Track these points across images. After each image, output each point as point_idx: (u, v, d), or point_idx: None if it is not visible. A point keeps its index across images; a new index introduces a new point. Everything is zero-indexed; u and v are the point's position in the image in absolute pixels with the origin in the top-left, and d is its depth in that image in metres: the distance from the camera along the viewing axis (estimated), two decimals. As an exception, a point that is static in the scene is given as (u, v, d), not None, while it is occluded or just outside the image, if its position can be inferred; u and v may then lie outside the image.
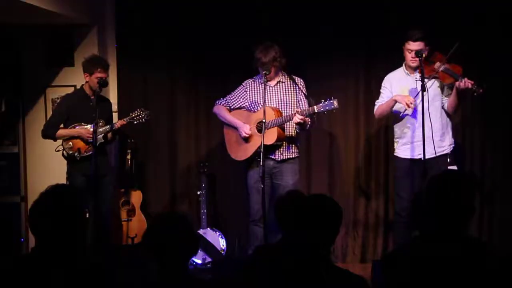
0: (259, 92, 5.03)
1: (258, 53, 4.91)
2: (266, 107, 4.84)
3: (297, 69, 5.44)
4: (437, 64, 4.84)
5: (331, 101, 4.71)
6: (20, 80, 5.96)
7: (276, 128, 4.86)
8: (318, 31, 5.86)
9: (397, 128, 5.09)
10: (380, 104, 5.09)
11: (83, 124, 5.10)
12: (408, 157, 4.95)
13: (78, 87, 5.70)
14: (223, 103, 5.20)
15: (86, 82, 5.12)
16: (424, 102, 4.66)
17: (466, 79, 4.68)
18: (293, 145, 5.02)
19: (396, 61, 5.59)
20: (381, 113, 5.11)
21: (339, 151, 5.99)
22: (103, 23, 5.89)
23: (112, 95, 6.01)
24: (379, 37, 5.81)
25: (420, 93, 4.59)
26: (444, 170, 4.66)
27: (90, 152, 5.04)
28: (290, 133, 4.99)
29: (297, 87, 5.03)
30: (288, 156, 5.00)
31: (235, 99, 5.16)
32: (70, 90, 5.77)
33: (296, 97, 5.02)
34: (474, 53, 5.56)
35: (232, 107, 5.17)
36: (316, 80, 5.85)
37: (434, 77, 4.87)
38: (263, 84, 4.92)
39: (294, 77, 5.07)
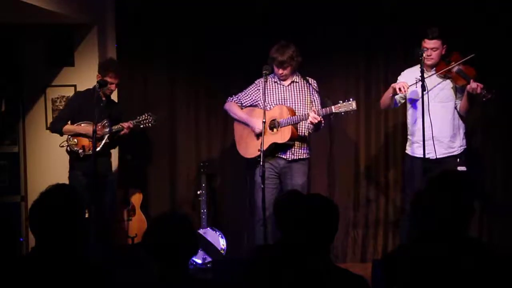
0: (274, 91, 5.01)
1: (274, 52, 4.86)
2: (281, 105, 4.88)
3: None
4: (452, 64, 4.83)
5: (350, 102, 4.68)
6: (20, 80, 5.95)
7: (290, 126, 4.83)
8: (318, 31, 5.86)
9: (409, 125, 5.08)
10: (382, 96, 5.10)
11: (89, 123, 5.06)
12: (417, 155, 4.94)
13: (78, 86, 5.73)
14: (234, 100, 5.13)
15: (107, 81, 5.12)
16: (431, 101, 4.69)
17: (476, 83, 4.68)
18: (305, 146, 4.97)
19: (396, 61, 5.61)
20: (383, 102, 5.11)
21: (339, 151, 5.98)
22: (103, 23, 5.89)
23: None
24: (379, 37, 5.81)
25: (422, 92, 4.58)
26: (443, 169, 4.67)
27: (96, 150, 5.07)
28: (303, 133, 4.95)
29: (311, 87, 5.00)
30: (299, 157, 4.94)
31: (247, 96, 5.11)
32: (70, 90, 5.78)
33: (310, 97, 4.98)
34: (472, 53, 5.56)
35: (244, 105, 5.12)
36: (316, 80, 5.84)
37: (448, 77, 4.87)
38: (280, 85, 4.95)
39: (307, 78, 5.04)
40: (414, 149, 4.99)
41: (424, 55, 4.79)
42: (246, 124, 5.03)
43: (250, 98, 5.10)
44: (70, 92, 5.78)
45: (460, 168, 4.86)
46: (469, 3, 5.64)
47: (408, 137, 5.09)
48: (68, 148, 5.18)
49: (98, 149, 5.09)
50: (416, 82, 4.78)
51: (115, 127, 5.15)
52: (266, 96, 4.96)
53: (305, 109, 4.93)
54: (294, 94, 4.99)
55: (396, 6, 5.72)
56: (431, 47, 4.82)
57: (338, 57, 5.93)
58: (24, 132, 5.98)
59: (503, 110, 5.70)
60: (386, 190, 5.90)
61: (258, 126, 4.88)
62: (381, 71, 5.88)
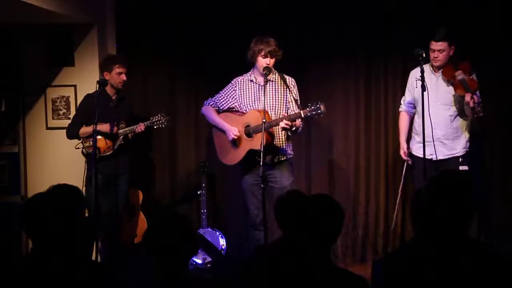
0: (249, 91, 4.90)
1: (257, 43, 4.79)
2: (254, 111, 4.77)
3: (297, 69, 5.44)
4: (459, 72, 4.85)
5: (318, 106, 4.51)
6: (20, 80, 5.95)
7: (264, 132, 4.63)
8: (318, 31, 5.86)
9: (416, 125, 5.11)
10: (403, 116, 5.22)
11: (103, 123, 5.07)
12: (421, 155, 4.96)
13: (78, 86, 5.73)
14: (211, 103, 5.04)
15: (107, 81, 5.14)
16: (434, 103, 4.70)
17: (472, 97, 4.68)
18: (285, 148, 4.87)
19: (396, 61, 5.61)
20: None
21: (339, 151, 5.99)
22: (103, 23, 5.89)
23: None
24: (379, 37, 5.81)
25: (422, 93, 4.58)
26: (444, 169, 4.69)
27: (109, 153, 5.12)
28: (280, 136, 4.84)
29: (287, 88, 4.86)
30: (281, 158, 4.86)
31: (223, 99, 5.00)
32: (70, 90, 5.78)
33: (286, 98, 4.85)
34: (472, 53, 5.58)
35: (221, 108, 5.01)
36: (316, 81, 5.87)
37: (451, 83, 4.87)
38: (256, 84, 4.84)
39: (285, 76, 4.91)
40: (418, 149, 5.01)
41: (431, 57, 4.85)
42: (222, 131, 4.95)
43: (227, 100, 5.00)
44: (70, 92, 5.78)
45: (462, 168, 4.88)
46: (468, 3, 5.63)
47: (413, 135, 5.11)
48: (83, 150, 5.17)
49: (111, 151, 5.15)
50: (416, 81, 4.82)
51: (127, 129, 5.14)
52: (243, 99, 4.90)
53: (280, 111, 4.81)
54: (270, 94, 4.85)
55: (397, 6, 5.72)
56: (438, 49, 4.84)
57: (338, 57, 5.92)
58: (24, 132, 5.97)
59: (502, 109, 5.69)
60: (386, 190, 5.90)
61: (231, 133, 4.83)
62: (381, 71, 5.88)
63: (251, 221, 4.93)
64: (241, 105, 4.93)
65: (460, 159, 4.93)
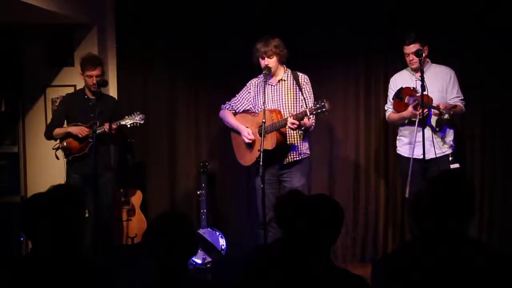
0: (261, 91, 4.89)
1: (257, 45, 4.81)
2: (267, 110, 4.74)
3: (297, 69, 5.42)
4: (408, 98, 4.88)
5: (323, 104, 4.51)
6: (20, 80, 5.96)
7: (274, 132, 4.70)
8: (319, 31, 5.86)
9: (401, 127, 5.11)
10: (392, 113, 5.13)
11: (80, 124, 5.10)
12: (411, 156, 4.97)
13: (78, 87, 5.73)
14: (227, 107, 5.08)
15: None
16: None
17: (436, 109, 4.76)
18: (299, 147, 4.86)
19: (396, 61, 5.61)
20: (393, 120, 5.20)
21: (339, 151, 5.98)
22: (103, 23, 5.90)
23: (112, 95, 6.00)
24: (379, 37, 5.81)
25: (422, 92, 4.60)
26: (444, 170, 4.70)
27: (81, 153, 5.10)
28: (292, 136, 4.84)
29: (299, 85, 4.87)
30: (295, 158, 4.86)
31: (239, 102, 5.05)
32: (70, 90, 5.78)
33: (296, 97, 4.87)
34: (472, 53, 5.58)
35: (237, 111, 5.05)
36: (317, 81, 5.82)
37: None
38: (268, 85, 4.85)
39: (298, 73, 4.92)
40: (406, 150, 5.03)
41: (407, 61, 4.94)
42: (239, 133, 4.97)
43: (242, 103, 5.03)
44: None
45: (453, 166, 4.90)
46: (468, 3, 5.63)
47: (400, 137, 5.11)
48: (60, 151, 5.17)
49: (83, 152, 5.12)
50: (416, 80, 4.83)
51: (98, 130, 5.07)
52: (256, 99, 4.93)
53: (294, 109, 4.81)
54: (280, 95, 4.88)
55: (396, 6, 5.72)
56: (411, 52, 4.90)
57: (338, 57, 5.92)
58: (24, 132, 5.98)
59: (503, 109, 5.69)
60: (386, 190, 5.90)
61: (245, 135, 4.86)
62: (381, 71, 5.88)
63: (260, 221, 4.88)
64: (255, 106, 4.96)
65: (450, 157, 4.95)
